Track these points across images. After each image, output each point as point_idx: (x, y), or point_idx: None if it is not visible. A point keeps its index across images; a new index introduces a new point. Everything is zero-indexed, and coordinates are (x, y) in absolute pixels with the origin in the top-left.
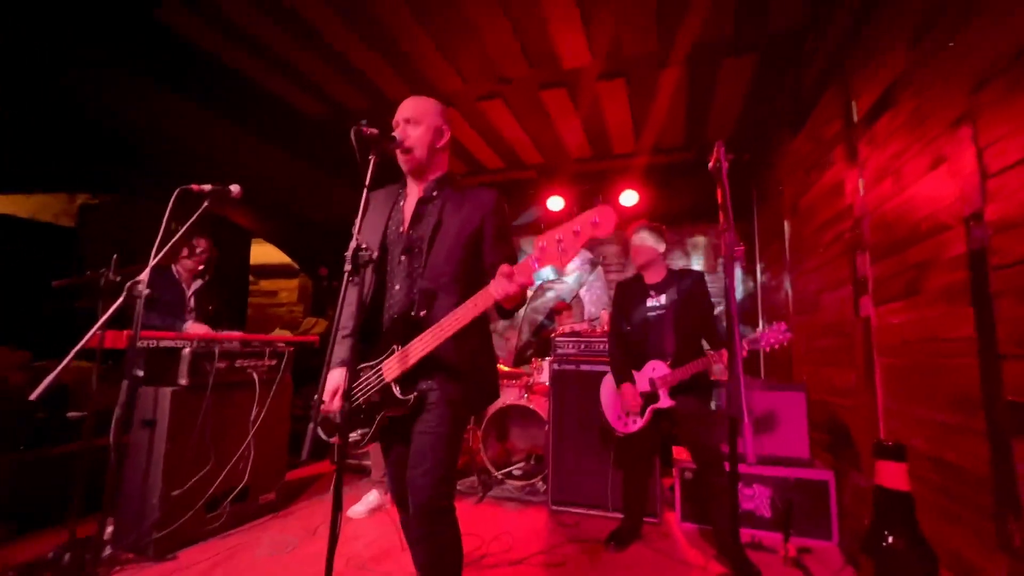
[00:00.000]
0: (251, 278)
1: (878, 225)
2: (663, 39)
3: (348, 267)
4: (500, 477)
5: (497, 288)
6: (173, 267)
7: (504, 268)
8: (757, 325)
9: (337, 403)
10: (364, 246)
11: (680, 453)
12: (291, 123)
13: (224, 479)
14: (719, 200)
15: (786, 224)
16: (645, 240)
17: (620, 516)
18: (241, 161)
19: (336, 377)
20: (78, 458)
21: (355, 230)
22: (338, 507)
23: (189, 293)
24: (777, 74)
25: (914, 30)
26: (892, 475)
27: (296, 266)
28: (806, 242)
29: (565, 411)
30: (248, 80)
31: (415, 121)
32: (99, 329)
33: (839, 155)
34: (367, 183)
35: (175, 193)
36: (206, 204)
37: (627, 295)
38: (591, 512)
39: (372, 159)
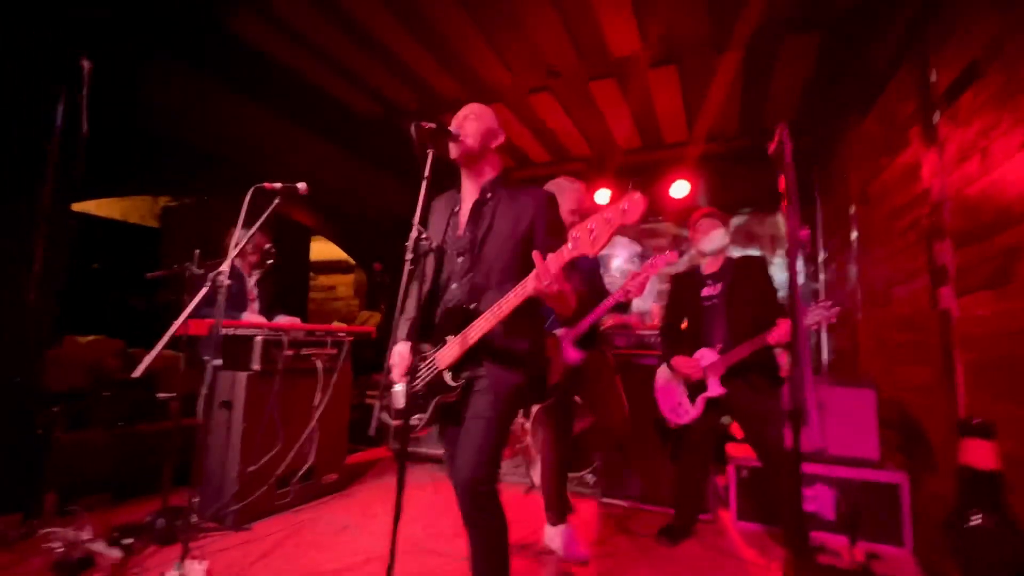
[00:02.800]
0: (311, 274)
1: (960, 209)
2: (718, 21)
3: (409, 255)
4: None
5: (531, 283)
6: (236, 262)
7: (539, 265)
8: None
9: (402, 369)
10: (424, 235)
11: (734, 450)
12: (348, 123)
13: (292, 459)
14: (780, 185)
15: (853, 212)
16: (714, 229)
17: (671, 511)
18: (303, 161)
19: (400, 349)
20: (168, 435)
21: (415, 220)
22: (402, 484)
23: (251, 284)
24: (844, 52)
25: None
26: (979, 454)
27: (352, 262)
28: (876, 231)
29: None
30: (309, 83)
31: (474, 117)
32: (188, 316)
33: (915, 135)
34: (426, 175)
35: (250, 190)
36: (277, 201)
37: (683, 287)
38: (642, 506)
39: (430, 152)
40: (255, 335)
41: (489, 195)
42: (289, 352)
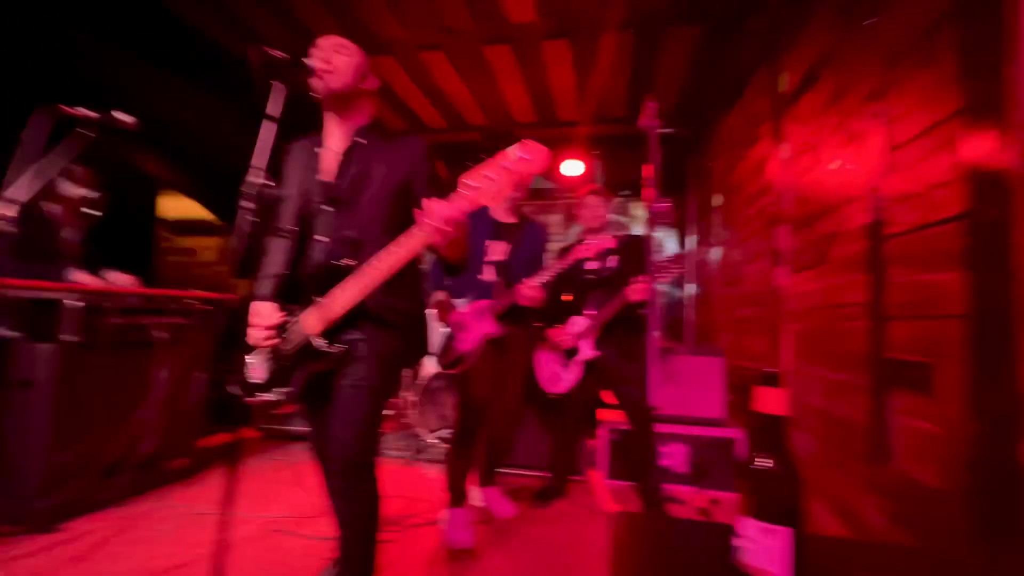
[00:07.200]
0: (165, 234)
1: (797, 199)
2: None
3: (251, 205)
4: (431, 441)
5: (423, 230)
6: (44, 206)
7: (428, 210)
8: (688, 295)
9: (262, 335)
10: (270, 182)
11: (605, 415)
12: (216, 65)
13: (127, 444)
14: (649, 157)
15: (715, 199)
16: (596, 206)
17: (548, 475)
18: (161, 104)
19: (260, 308)
20: None
21: (257, 162)
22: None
23: (72, 235)
24: (717, 48)
25: (840, 7)
26: (768, 400)
27: (217, 222)
28: (733, 216)
29: None
30: (173, 20)
31: (343, 50)
32: None
33: (766, 131)
34: (271, 112)
35: (33, 112)
36: (92, 135)
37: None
38: (524, 473)
39: (276, 86)
40: (64, 299)
41: (362, 141)
42: (118, 320)
